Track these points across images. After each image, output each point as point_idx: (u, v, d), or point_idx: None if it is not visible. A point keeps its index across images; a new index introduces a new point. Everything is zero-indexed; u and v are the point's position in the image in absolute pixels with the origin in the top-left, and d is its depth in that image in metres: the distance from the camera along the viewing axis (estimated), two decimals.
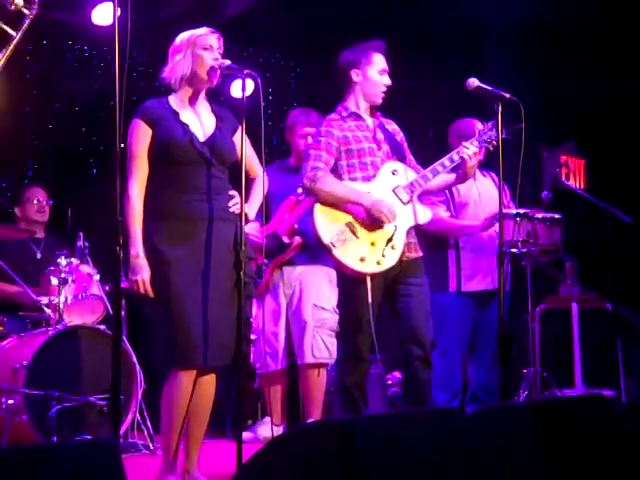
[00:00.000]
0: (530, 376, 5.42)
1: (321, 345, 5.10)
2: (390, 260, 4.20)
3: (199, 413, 3.80)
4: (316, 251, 5.14)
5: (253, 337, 5.21)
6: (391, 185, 4.30)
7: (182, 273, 3.61)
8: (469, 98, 4.25)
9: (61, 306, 4.87)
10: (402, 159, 4.42)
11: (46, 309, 4.93)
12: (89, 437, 4.38)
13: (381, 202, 4.19)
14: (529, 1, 6.26)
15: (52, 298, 4.90)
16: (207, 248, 3.66)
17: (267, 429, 5.11)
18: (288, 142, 5.39)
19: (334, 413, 5.55)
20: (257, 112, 3.59)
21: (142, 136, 3.70)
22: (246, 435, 4.96)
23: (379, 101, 4.40)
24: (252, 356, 5.25)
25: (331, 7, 6.58)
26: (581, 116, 5.07)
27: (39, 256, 5.42)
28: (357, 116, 4.40)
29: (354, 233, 4.19)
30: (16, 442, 4.34)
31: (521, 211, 5.20)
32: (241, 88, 3.71)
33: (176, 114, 3.76)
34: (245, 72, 3.71)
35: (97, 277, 5.11)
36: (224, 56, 3.81)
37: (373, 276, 4.18)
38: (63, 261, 4.91)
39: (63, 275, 4.87)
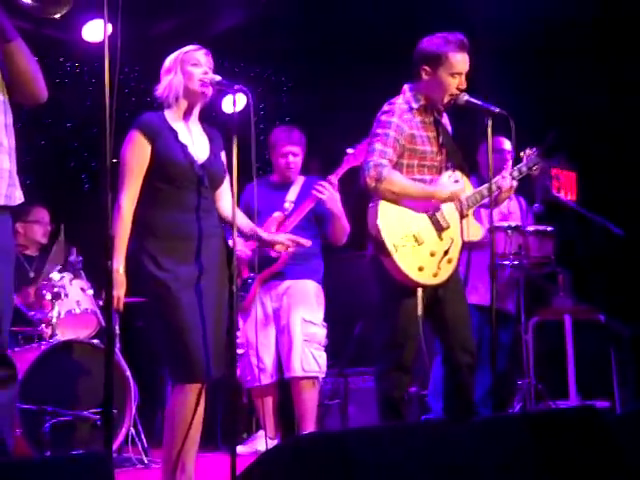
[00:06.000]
0: (524, 388, 5.43)
1: (310, 359, 5.11)
2: (445, 274, 4.07)
3: (194, 426, 3.80)
4: (303, 265, 5.17)
5: (240, 352, 5.22)
6: None
7: (181, 290, 3.60)
8: (458, 109, 4.26)
9: (54, 321, 4.87)
10: (460, 166, 4.24)
11: (39, 324, 4.93)
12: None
13: (458, 191, 4.09)
14: (519, 11, 6.28)
15: (45, 313, 4.90)
16: (200, 266, 3.67)
17: (261, 442, 5.11)
18: (269, 160, 5.41)
19: (326, 425, 5.56)
20: (248, 127, 3.61)
21: (140, 149, 3.67)
22: (240, 449, 4.95)
23: (442, 103, 4.13)
24: (239, 370, 5.25)
25: (322, 22, 6.61)
26: (572, 129, 5.10)
27: (32, 275, 5.41)
28: (425, 111, 4.14)
29: (417, 239, 4.03)
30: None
31: (512, 224, 5.24)
32: (232, 103, 3.74)
33: (174, 132, 3.75)
34: (236, 87, 3.72)
35: (90, 292, 5.10)
36: (215, 71, 3.83)
37: (425, 287, 4.04)
38: (56, 276, 4.91)
39: (56, 290, 4.87)
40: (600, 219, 5.66)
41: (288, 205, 5.23)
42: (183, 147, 3.74)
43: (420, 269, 3.99)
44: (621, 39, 6.41)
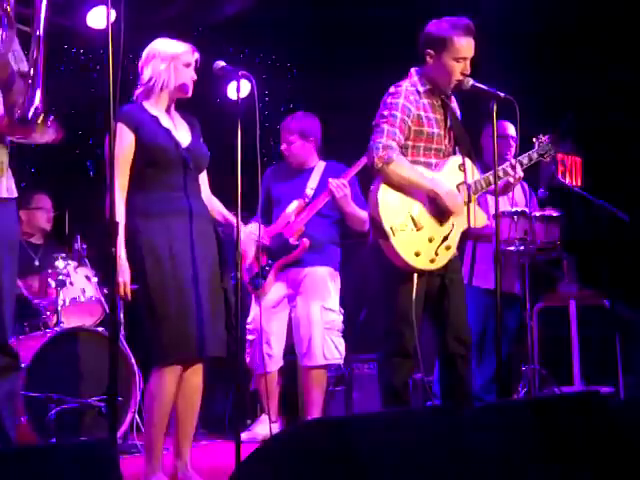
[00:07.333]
0: (529, 374, 5.43)
1: (331, 346, 5.13)
2: (442, 260, 4.05)
3: (188, 408, 3.81)
4: (321, 252, 5.16)
5: (251, 337, 5.22)
6: (455, 180, 4.11)
7: (173, 265, 3.67)
8: (462, 95, 4.24)
9: (59, 308, 4.88)
10: (468, 150, 4.20)
11: (44, 312, 4.93)
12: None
13: (454, 193, 4.05)
14: None
15: (50, 301, 4.91)
16: (193, 245, 3.74)
17: (265, 427, 5.11)
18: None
19: (331, 412, 5.56)
20: (253, 113, 3.61)
21: (124, 139, 3.72)
22: (244, 435, 4.96)
23: (447, 89, 4.11)
24: (249, 357, 5.25)
25: (328, 7, 6.59)
26: (578, 113, 5.08)
27: (37, 263, 5.41)
28: (432, 93, 4.11)
29: (415, 224, 4.00)
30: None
31: (518, 209, 5.23)
32: (236, 89, 3.74)
33: (156, 119, 3.81)
34: (240, 73, 3.74)
35: (95, 279, 5.11)
36: (220, 57, 3.84)
37: (421, 273, 4.02)
38: (61, 264, 4.92)
39: (61, 277, 4.88)
40: (605, 204, 5.64)
41: (309, 192, 5.22)
42: (167, 131, 3.81)
43: (417, 254, 3.97)
44: (626, 24, 6.39)
